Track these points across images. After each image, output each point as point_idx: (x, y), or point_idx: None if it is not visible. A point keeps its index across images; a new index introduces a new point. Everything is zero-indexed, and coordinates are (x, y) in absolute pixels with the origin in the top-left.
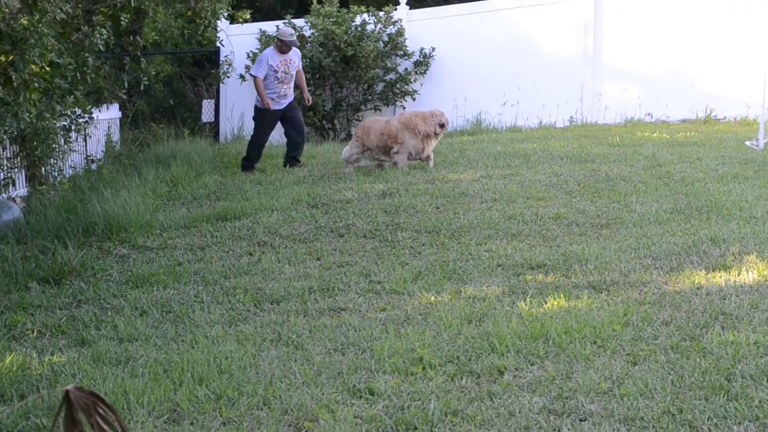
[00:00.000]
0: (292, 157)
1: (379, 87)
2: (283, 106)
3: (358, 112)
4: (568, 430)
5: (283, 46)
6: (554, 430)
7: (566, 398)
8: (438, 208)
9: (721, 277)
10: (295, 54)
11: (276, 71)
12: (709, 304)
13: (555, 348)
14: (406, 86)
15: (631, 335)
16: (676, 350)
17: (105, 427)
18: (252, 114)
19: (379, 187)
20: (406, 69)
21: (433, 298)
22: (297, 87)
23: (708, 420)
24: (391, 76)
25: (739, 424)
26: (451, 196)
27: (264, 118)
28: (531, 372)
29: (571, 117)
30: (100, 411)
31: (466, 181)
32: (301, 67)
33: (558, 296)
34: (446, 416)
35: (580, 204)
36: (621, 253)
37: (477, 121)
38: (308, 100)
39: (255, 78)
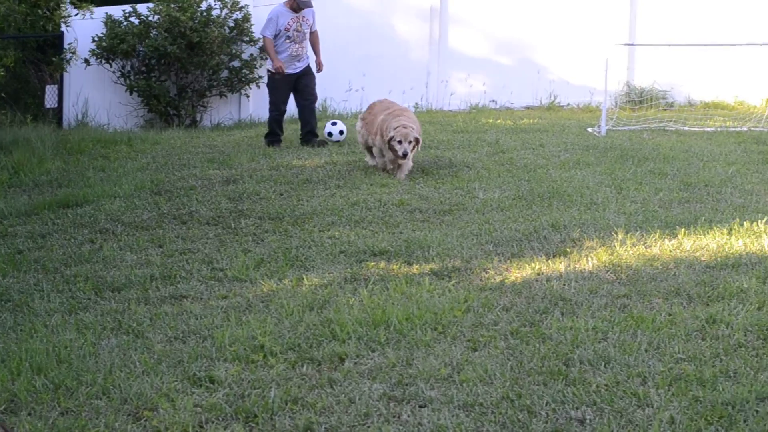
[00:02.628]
0: (308, 133)
1: (225, 73)
2: (297, 70)
3: (203, 98)
4: (408, 416)
5: (294, 4)
6: (394, 416)
7: (406, 385)
8: (281, 194)
9: (561, 263)
10: (309, 13)
11: (287, 29)
12: (549, 289)
13: (396, 334)
14: (251, 73)
15: (471, 321)
16: (516, 336)
17: None
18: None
19: (223, 173)
20: (251, 55)
21: (275, 285)
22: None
23: (546, 405)
24: (237, 62)
25: (577, 408)
26: (295, 182)
27: (276, 83)
28: (372, 359)
29: (416, 103)
30: None
31: (311, 168)
32: (316, 27)
33: (400, 283)
34: (286, 404)
35: (424, 190)
36: (463, 239)
37: (322, 108)
38: (320, 66)
39: (264, 38)
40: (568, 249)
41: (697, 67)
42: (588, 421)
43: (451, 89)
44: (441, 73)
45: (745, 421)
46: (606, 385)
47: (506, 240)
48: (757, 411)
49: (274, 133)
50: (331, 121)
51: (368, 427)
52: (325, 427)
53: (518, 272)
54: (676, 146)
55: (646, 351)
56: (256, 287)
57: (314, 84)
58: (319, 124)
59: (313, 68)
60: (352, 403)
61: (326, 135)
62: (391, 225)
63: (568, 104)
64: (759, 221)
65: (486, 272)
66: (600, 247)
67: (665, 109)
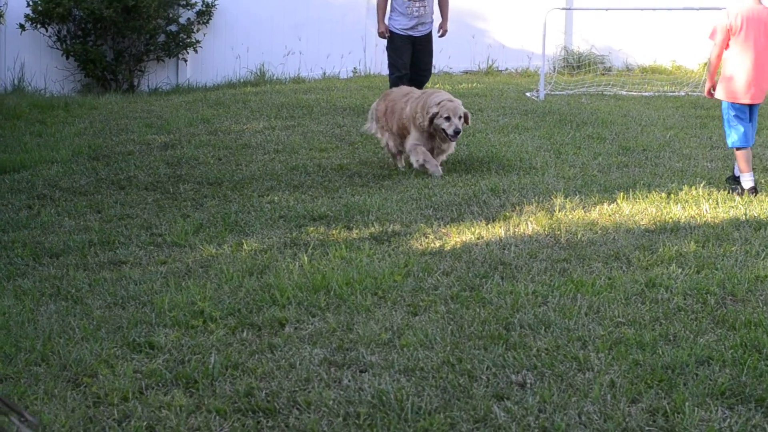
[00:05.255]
0: None
1: (162, 38)
2: (420, 34)
3: (140, 63)
4: (349, 381)
5: None
6: (335, 381)
7: (347, 349)
8: (220, 159)
9: (500, 227)
10: None
11: None
12: (488, 254)
13: (336, 299)
14: (188, 38)
15: (411, 286)
16: (456, 300)
17: None
18: None
19: (162, 138)
20: (189, 19)
21: (214, 250)
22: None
23: (487, 369)
24: (174, 26)
25: (518, 372)
26: (234, 147)
27: (394, 44)
28: (312, 324)
29: (355, 68)
30: None
31: (249, 132)
32: None
33: (339, 248)
34: (227, 369)
35: (363, 155)
36: (403, 204)
37: (260, 72)
38: (444, 30)
39: None
40: (507, 213)
41: (635, 32)
42: (528, 385)
43: None
44: (379, 38)
45: (684, 385)
46: (546, 349)
47: (446, 204)
48: (696, 374)
49: None
50: None
51: (309, 392)
52: (265, 393)
53: (458, 237)
54: (614, 111)
55: (586, 315)
56: (196, 252)
57: (431, 57)
58: (256, 88)
59: (434, 34)
60: (293, 369)
61: None
62: (330, 190)
63: (506, 69)
64: (697, 185)
65: (426, 237)
66: (539, 211)
67: (603, 74)
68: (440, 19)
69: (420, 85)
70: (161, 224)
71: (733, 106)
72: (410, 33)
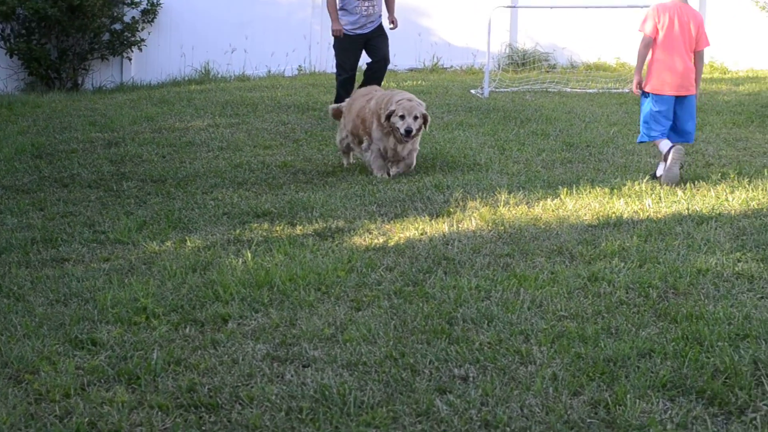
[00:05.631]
0: None
1: (106, 36)
2: (367, 30)
3: (85, 61)
4: (292, 376)
5: None
6: (277, 376)
7: (290, 345)
8: (164, 157)
9: (444, 223)
10: None
11: None
12: (432, 249)
13: (280, 295)
14: (133, 36)
15: (355, 281)
16: (400, 295)
17: None
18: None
19: (105, 136)
20: (133, 18)
21: (157, 247)
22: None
23: (430, 363)
24: (119, 25)
25: (460, 366)
26: (178, 145)
27: (341, 44)
28: (255, 319)
29: (300, 66)
30: None
31: (193, 130)
32: None
33: (283, 244)
34: (169, 365)
35: (307, 152)
36: (347, 200)
37: (205, 70)
38: (395, 24)
39: None
40: (451, 209)
41: (580, 30)
42: (471, 379)
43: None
44: (324, 36)
45: (626, 377)
46: (489, 343)
47: (389, 201)
48: (638, 367)
49: (339, 97)
50: None
51: (251, 387)
52: (208, 388)
53: (401, 232)
54: (558, 107)
55: (528, 309)
56: (139, 249)
57: (387, 45)
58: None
59: (386, 26)
60: (236, 364)
61: None
62: (274, 186)
63: (452, 66)
64: (640, 180)
65: (369, 233)
66: (483, 207)
67: (548, 71)
68: (388, 13)
69: (380, 73)
70: (104, 221)
71: (658, 99)
72: (358, 32)
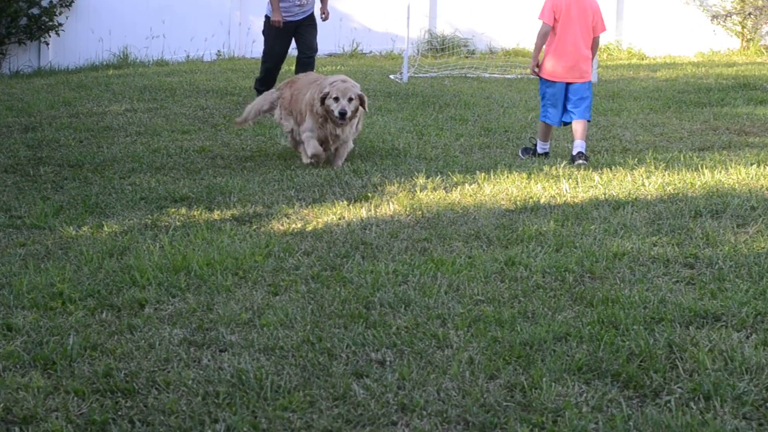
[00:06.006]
0: None
1: (23, 21)
2: (297, 18)
3: (1, 46)
4: (209, 361)
5: None
6: (194, 361)
7: (207, 329)
8: (81, 142)
9: (362, 208)
10: None
11: None
12: (350, 234)
13: (197, 280)
14: (50, 21)
15: (272, 266)
16: (317, 280)
17: None
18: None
19: (22, 121)
20: (51, 2)
21: (74, 232)
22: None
23: (347, 347)
24: (36, 9)
25: (377, 350)
26: (95, 129)
27: (271, 32)
28: (172, 304)
29: (218, 51)
30: None
31: (111, 115)
32: None
33: (201, 229)
34: (86, 350)
35: (225, 137)
36: (265, 185)
37: (123, 55)
38: (326, 15)
39: None
40: (369, 194)
41: (498, 16)
42: (388, 363)
43: (252, 36)
44: (243, 20)
45: (542, 361)
46: (406, 327)
47: (307, 185)
48: (554, 350)
49: (260, 81)
50: None
51: (168, 372)
52: (124, 373)
53: (319, 217)
54: (477, 93)
55: (445, 293)
56: (55, 234)
57: (315, 35)
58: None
59: (317, 17)
60: (152, 349)
61: None
62: (192, 171)
63: (371, 52)
64: (557, 165)
65: (287, 217)
66: (401, 191)
67: (467, 57)
68: (321, 4)
69: (309, 65)
70: (21, 206)
71: (550, 84)
72: (289, 19)
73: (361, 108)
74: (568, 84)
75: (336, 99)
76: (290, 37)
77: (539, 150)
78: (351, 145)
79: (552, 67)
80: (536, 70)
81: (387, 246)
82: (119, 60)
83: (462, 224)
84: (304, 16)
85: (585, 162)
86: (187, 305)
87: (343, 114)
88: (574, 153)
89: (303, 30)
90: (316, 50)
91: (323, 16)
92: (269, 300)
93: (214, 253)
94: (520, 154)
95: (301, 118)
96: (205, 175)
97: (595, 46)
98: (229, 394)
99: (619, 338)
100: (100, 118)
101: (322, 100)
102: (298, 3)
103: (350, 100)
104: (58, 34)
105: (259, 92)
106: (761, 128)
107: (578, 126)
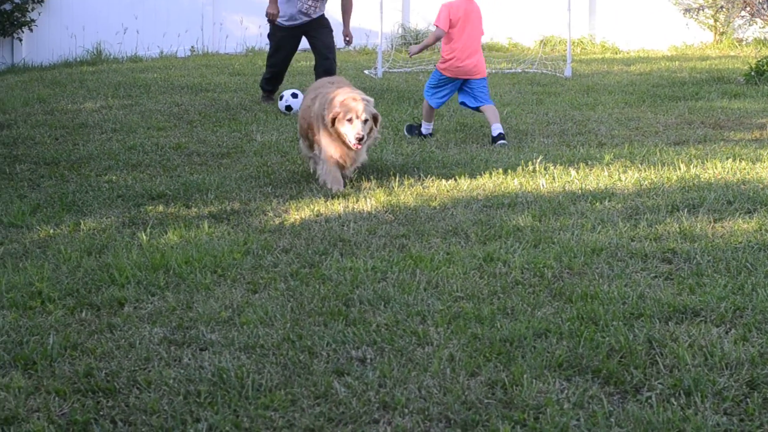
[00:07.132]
0: None
1: None
2: (298, 22)
3: None
4: (189, 359)
5: None
6: (175, 360)
7: (187, 328)
8: (57, 139)
9: (339, 204)
10: None
11: None
12: (328, 231)
13: (176, 278)
14: (23, 17)
15: (251, 263)
16: (296, 277)
17: None
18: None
19: None
20: None
21: (52, 230)
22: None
23: (327, 345)
24: (8, 5)
25: (358, 348)
26: (71, 127)
27: (275, 36)
28: (151, 303)
29: (192, 46)
30: None
31: (86, 112)
32: None
33: (178, 226)
34: (66, 350)
35: (201, 134)
36: (242, 182)
37: (97, 51)
38: (349, 38)
39: None
40: (346, 190)
41: None
42: (369, 361)
43: (226, 32)
44: (216, 16)
45: (522, 357)
46: (386, 325)
47: (285, 182)
48: (534, 347)
49: (263, 87)
50: (292, 92)
51: (149, 371)
52: (105, 373)
53: (297, 214)
54: None
55: (425, 290)
56: (33, 233)
57: (329, 38)
58: (93, 68)
59: (344, 36)
60: (132, 348)
61: (284, 110)
62: (169, 169)
63: (345, 47)
64: (534, 160)
65: (265, 214)
66: (378, 187)
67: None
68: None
69: (329, 69)
70: None
71: (445, 79)
72: (294, 23)
73: (375, 126)
74: (466, 80)
75: (350, 120)
76: (297, 38)
77: (423, 131)
78: (365, 156)
79: (449, 67)
80: (413, 53)
81: (365, 242)
82: (93, 56)
83: (439, 220)
84: (308, 20)
85: (506, 141)
86: (166, 304)
87: (360, 140)
88: (494, 135)
89: (315, 32)
90: (334, 53)
91: (347, 39)
92: (248, 298)
93: (193, 251)
94: (405, 132)
95: (302, 131)
96: (182, 172)
97: None
98: (211, 393)
99: (599, 334)
100: (75, 115)
101: (332, 121)
102: (304, 10)
103: (366, 121)
104: (31, 30)
105: (265, 91)
106: (736, 122)
107: (489, 111)
